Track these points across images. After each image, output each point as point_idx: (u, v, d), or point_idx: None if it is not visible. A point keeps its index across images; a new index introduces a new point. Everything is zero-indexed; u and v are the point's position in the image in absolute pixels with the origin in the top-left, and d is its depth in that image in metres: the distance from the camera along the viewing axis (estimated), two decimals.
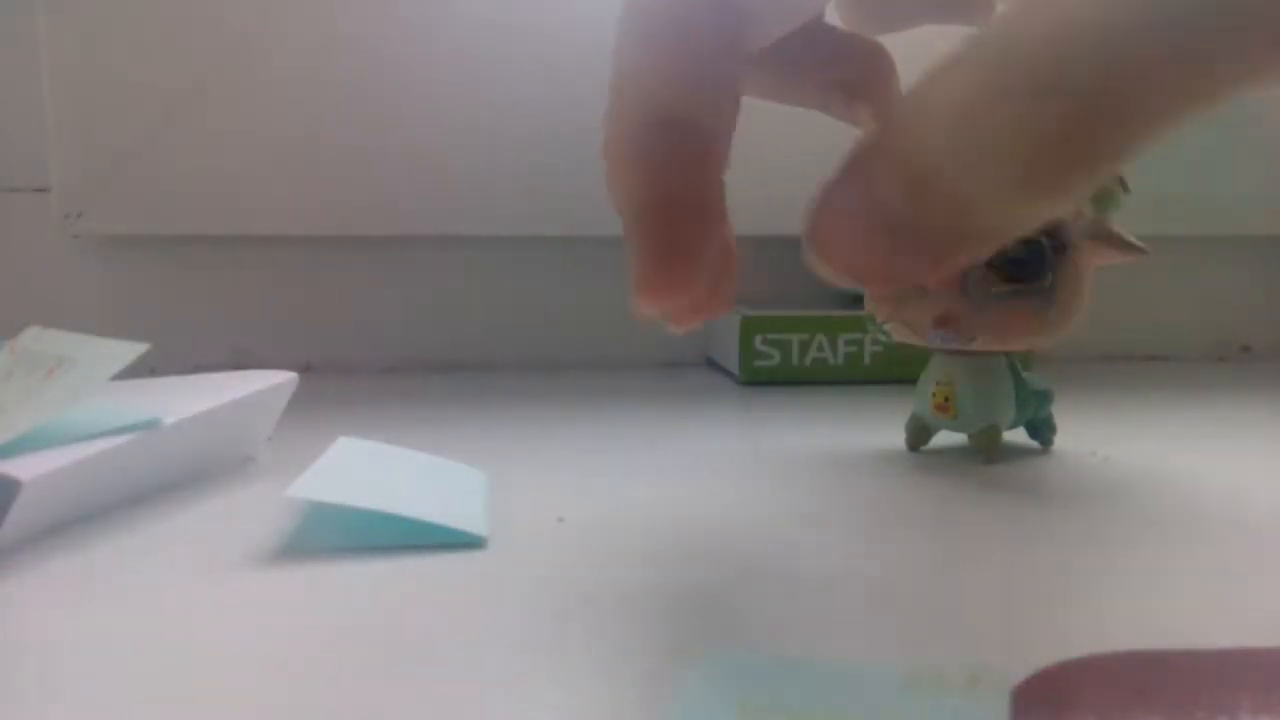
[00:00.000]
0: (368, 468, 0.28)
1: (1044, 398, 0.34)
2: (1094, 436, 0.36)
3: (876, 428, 0.38)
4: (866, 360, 0.48)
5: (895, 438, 0.35)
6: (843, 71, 0.24)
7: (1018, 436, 0.35)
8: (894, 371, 0.47)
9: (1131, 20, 0.12)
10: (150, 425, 0.28)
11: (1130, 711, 0.15)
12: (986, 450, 0.33)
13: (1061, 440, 0.35)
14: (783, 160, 0.41)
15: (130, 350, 0.27)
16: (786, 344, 0.48)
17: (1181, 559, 0.24)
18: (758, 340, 0.48)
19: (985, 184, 0.13)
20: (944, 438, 0.35)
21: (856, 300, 0.36)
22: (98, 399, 0.27)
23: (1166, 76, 0.12)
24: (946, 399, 0.33)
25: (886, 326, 0.32)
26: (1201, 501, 0.29)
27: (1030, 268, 0.30)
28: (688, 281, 0.19)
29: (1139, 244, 0.32)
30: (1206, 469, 0.32)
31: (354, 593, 0.22)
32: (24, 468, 0.24)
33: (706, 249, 0.19)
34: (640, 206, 0.19)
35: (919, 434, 0.35)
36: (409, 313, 0.54)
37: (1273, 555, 0.25)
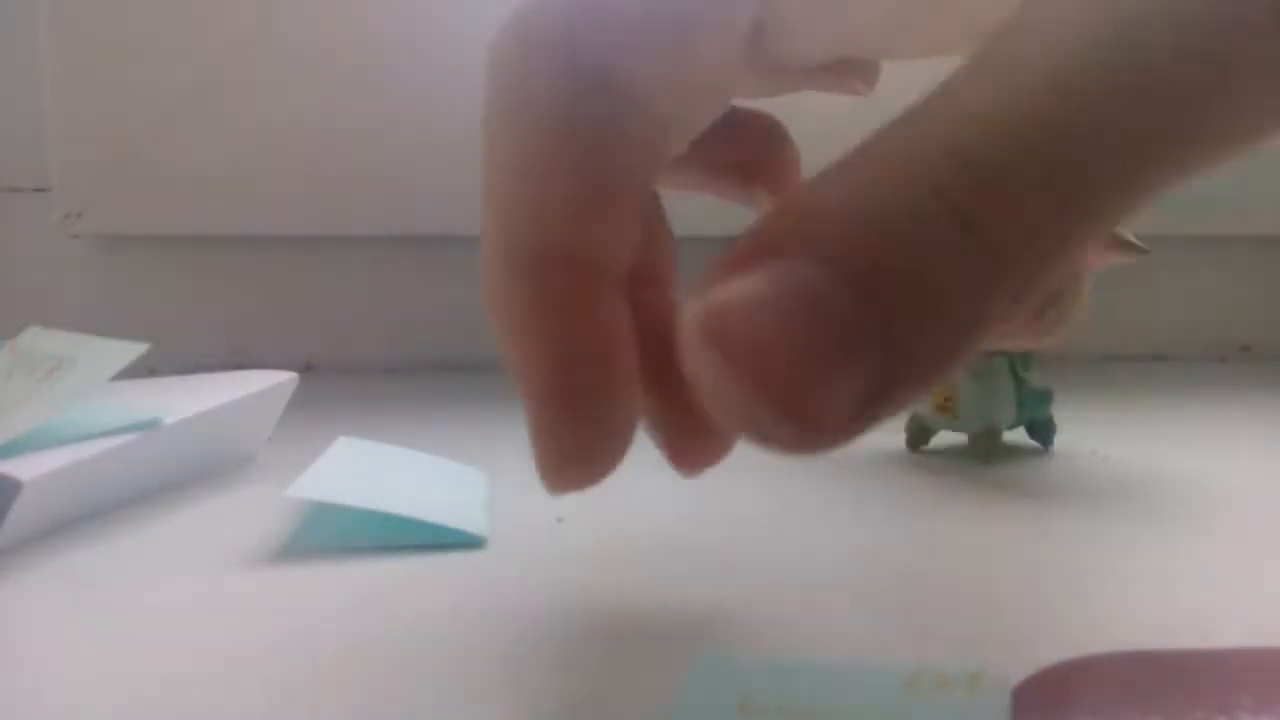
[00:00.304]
0: (368, 468, 0.28)
1: (1044, 398, 0.34)
2: (1094, 436, 0.36)
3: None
4: None
5: (895, 438, 0.35)
6: (738, 152, 0.21)
7: (1018, 436, 0.35)
8: None
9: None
10: (150, 425, 0.28)
11: (1130, 711, 0.15)
12: (986, 450, 0.33)
13: (1061, 440, 0.35)
14: None
15: (130, 350, 0.27)
16: None
17: (1181, 559, 0.24)
18: None
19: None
20: (944, 438, 0.35)
21: None
22: (98, 399, 0.27)
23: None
24: (946, 399, 0.33)
25: None
26: (1201, 501, 0.29)
27: None
28: (597, 459, 0.16)
29: (1139, 244, 0.32)
30: (1206, 469, 0.32)
31: (354, 593, 0.22)
32: (24, 468, 0.24)
33: (615, 416, 0.16)
34: (530, 372, 0.16)
35: (919, 434, 0.35)
36: (409, 313, 0.54)
37: (1273, 555, 0.25)
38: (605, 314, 0.16)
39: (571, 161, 0.16)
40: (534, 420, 0.16)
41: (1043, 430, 0.35)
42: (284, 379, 0.33)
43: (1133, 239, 0.32)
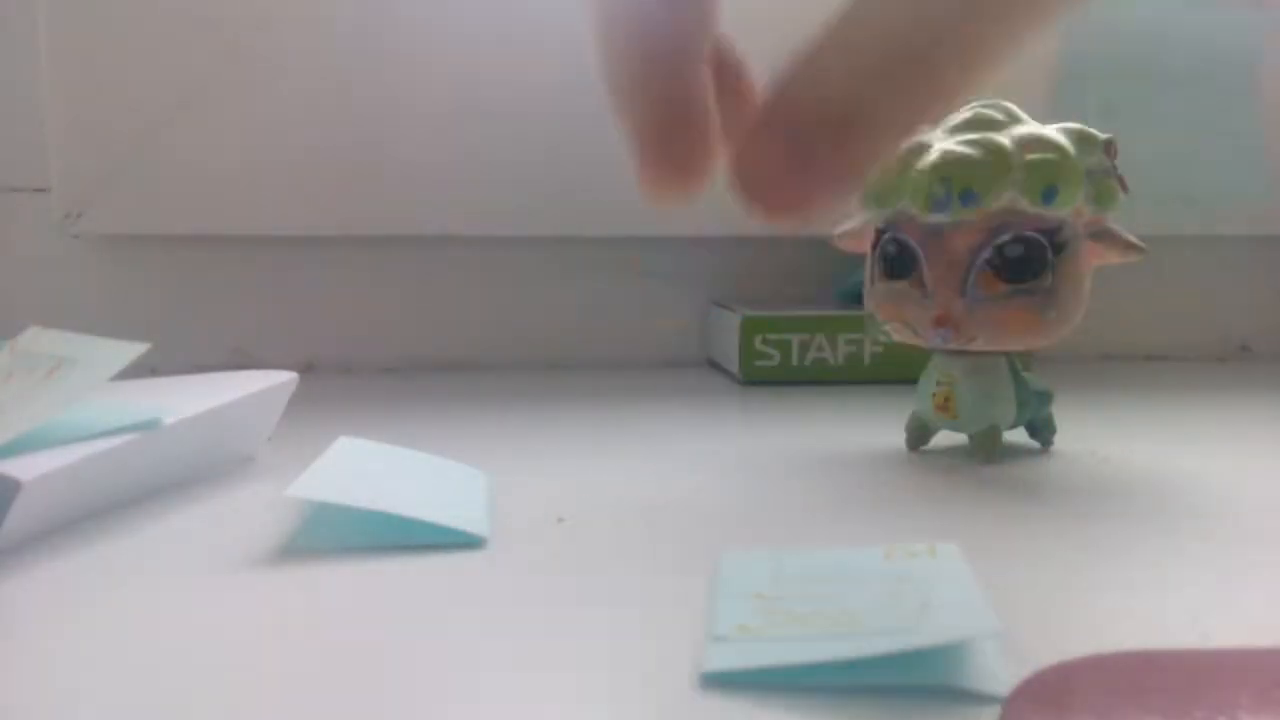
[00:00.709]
0: (368, 467, 0.28)
1: (1044, 398, 0.34)
2: (1094, 436, 0.36)
3: (876, 428, 0.38)
4: (866, 360, 0.48)
5: (895, 438, 0.35)
6: None
7: (1018, 436, 0.35)
8: (894, 371, 0.47)
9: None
10: (150, 425, 0.28)
11: (1129, 711, 0.15)
12: (986, 450, 0.33)
13: (1061, 440, 0.35)
14: None
15: (130, 350, 0.27)
16: (786, 344, 0.48)
17: (1181, 559, 0.24)
18: (758, 340, 0.48)
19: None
20: (944, 438, 0.35)
21: (857, 300, 0.36)
22: (98, 399, 0.27)
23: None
24: (947, 399, 0.33)
25: (886, 326, 0.32)
26: (1201, 502, 0.29)
27: (1029, 268, 0.30)
28: (691, 185, 0.19)
29: (1138, 243, 0.32)
30: (1206, 469, 0.32)
31: (354, 593, 0.22)
32: (24, 468, 0.24)
33: (702, 146, 0.19)
34: (638, 122, 0.19)
35: (919, 434, 0.35)
36: (409, 313, 0.54)
37: (1272, 555, 0.25)
38: (693, 78, 0.19)
39: None
40: (641, 153, 0.19)
41: (1042, 430, 0.35)
42: (284, 379, 0.33)
43: (1132, 238, 0.32)
